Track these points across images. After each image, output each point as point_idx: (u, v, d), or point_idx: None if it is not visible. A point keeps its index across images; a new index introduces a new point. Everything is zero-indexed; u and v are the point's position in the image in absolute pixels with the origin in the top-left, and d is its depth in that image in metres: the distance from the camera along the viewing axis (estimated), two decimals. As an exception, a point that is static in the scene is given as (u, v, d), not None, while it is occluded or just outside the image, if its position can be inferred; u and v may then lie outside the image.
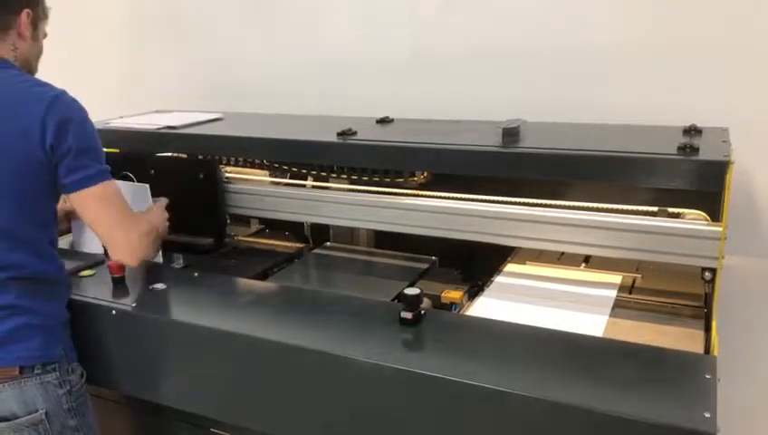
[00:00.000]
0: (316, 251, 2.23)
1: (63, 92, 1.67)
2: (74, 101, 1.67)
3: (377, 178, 2.02)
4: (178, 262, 2.07)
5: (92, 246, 2.07)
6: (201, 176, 2.14)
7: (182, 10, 2.95)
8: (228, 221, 2.23)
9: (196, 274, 1.92)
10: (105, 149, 2.17)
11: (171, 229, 2.07)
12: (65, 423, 1.64)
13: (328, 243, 2.29)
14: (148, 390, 1.74)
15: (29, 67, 1.75)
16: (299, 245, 2.25)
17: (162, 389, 1.71)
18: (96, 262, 1.96)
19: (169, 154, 2.29)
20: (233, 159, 2.27)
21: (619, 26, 2.15)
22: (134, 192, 1.96)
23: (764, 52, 1.99)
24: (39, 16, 1.74)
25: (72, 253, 2.10)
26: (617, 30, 2.16)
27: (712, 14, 2.03)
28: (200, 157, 2.23)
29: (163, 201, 2.00)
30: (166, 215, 1.94)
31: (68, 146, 1.58)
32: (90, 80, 3.23)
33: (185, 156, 2.27)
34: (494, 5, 2.31)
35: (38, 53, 1.80)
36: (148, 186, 2.00)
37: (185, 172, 2.17)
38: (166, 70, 3.06)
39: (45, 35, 1.80)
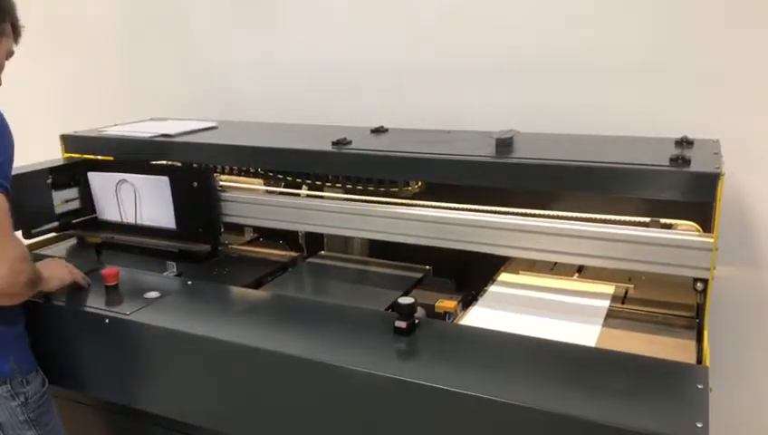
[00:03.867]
0: (310, 260, 2.23)
1: None
2: None
3: (371, 188, 2.02)
4: (172, 270, 2.07)
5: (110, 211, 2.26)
6: (195, 184, 2.13)
7: (178, 19, 2.96)
8: (222, 230, 2.22)
9: (189, 282, 1.91)
10: (100, 157, 2.18)
11: (167, 237, 2.09)
12: (21, 434, 1.66)
13: (322, 252, 2.29)
14: (140, 398, 1.73)
15: None
16: (293, 253, 2.25)
17: (155, 398, 1.71)
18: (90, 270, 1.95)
19: (164, 162, 2.30)
20: (227, 167, 2.27)
21: (612, 40, 2.17)
22: (154, 185, 2.02)
23: (756, 65, 2.01)
24: None
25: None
26: (610, 43, 2.17)
27: (704, 27, 2.05)
28: (194, 165, 2.23)
29: (75, 273, 1.83)
30: (65, 276, 1.78)
31: None
32: (85, 87, 3.25)
33: (179, 164, 2.28)
34: (490, 17, 2.33)
35: None
36: (167, 178, 2.05)
37: (179, 180, 2.16)
38: (161, 78, 3.06)
39: (10, 54, 1.70)
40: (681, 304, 1.73)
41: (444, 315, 1.76)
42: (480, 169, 1.79)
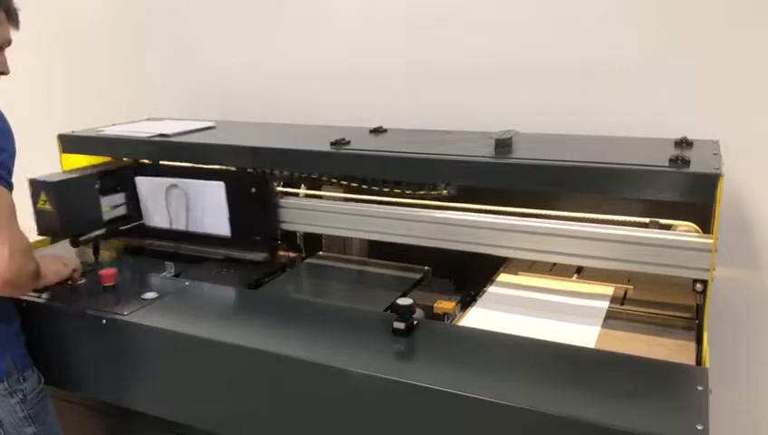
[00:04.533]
0: (309, 260, 2.23)
1: None
2: None
3: (398, 191, 1.99)
4: (169, 271, 2.07)
5: (159, 218, 2.20)
6: (253, 190, 2.06)
7: (176, 19, 2.95)
8: (279, 237, 2.16)
9: (187, 283, 1.91)
10: (107, 158, 2.18)
11: (220, 245, 2.09)
12: (22, 431, 1.67)
13: (320, 252, 2.28)
14: (137, 400, 1.73)
15: None
16: (291, 254, 2.24)
17: (153, 399, 1.70)
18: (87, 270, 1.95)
19: (217, 167, 2.17)
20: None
21: (612, 40, 2.16)
22: (207, 190, 2.02)
23: (756, 66, 2.01)
24: None
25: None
26: (610, 43, 2.17)
27: (704, 27, 2.05)
28: (253, 170, 2.13)
29: (70, 265, 1.85)
30: (61, 269, 1.80)
31: None
32: (82, 87, 3.24)
33: (233, 169, 2.16)
34: (489, 19, 2.32)
35: None
36: (222, 183, 2.02)
37: (236, 185, 2.10)
38: (159, 78, 3.06)
39: (7, 42, 1.67)
40: (680, 306, 1.73)
41: (442, 316, 1.76)
42: (479, 169, 1.78)
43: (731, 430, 2.18)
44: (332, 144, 1.98)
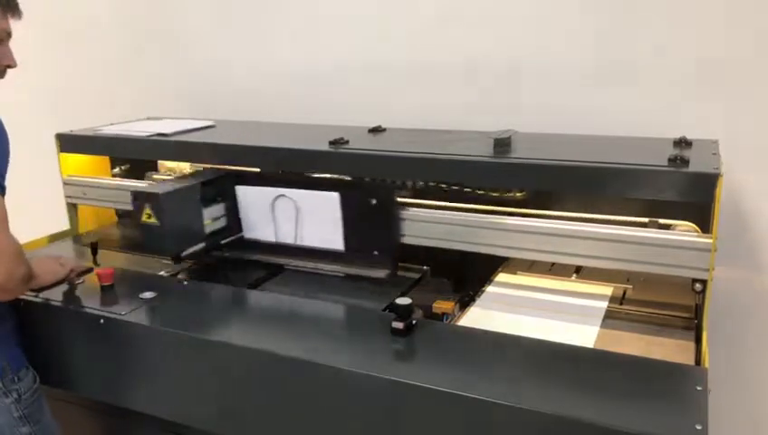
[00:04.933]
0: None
1: None
2: None
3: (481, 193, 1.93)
4: (167, 270, 2.06)
5: (262, 230, 2.04)
6: (374, 202, 1.90)
7: (175, 17, 2.94)
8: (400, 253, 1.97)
9: (185, 282, 1.90)
10: (249, 169, 2.07)
11: (332, 260, 1.95)
12: (17, 431, 1.66)
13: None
14: (135, 400, 1.72)
15: None
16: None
17: (151, 399, 1.70)
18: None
19: (330, 176, 2.02)
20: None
21: (611, 41, 2.16)
22: (320, 202, 1.90)
23: (754, 66, 2.01)
24: None
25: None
26: (609, 44, 2.17)
27: (704, 27, 2.05)
28: (374, 180, 1.97)
29: (67, 265, 1.81)
30: (57, 270, 1.77)
31: None
32: (81, 86, 3.23)
33: (349, 178, 1.99)
34: (487, 19, 2.32)
35: None
36: (337, 194, 1.90)
37: (353, 197, 1.93)
38: (158, 77, 3.05)
39: (6, 33, 1.64)
40: (680, 305, 1.73)
41: (441, 316, 1.76)
42: (478, 168, 1.78)
43: (731, 430, 2.18)
44: (331, 143, 1.98)
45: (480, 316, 1.71)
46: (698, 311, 1.66)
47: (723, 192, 1.50)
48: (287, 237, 2.05)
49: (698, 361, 1.44)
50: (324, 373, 1.41)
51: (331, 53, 2.62)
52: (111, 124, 2.52)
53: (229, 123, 2.54)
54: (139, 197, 1.91)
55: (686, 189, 1.56)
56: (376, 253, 1.93)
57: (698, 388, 1.27)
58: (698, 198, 1.56)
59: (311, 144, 2.02)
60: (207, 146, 2.17)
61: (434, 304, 1.78)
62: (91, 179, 2.45)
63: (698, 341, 1.54)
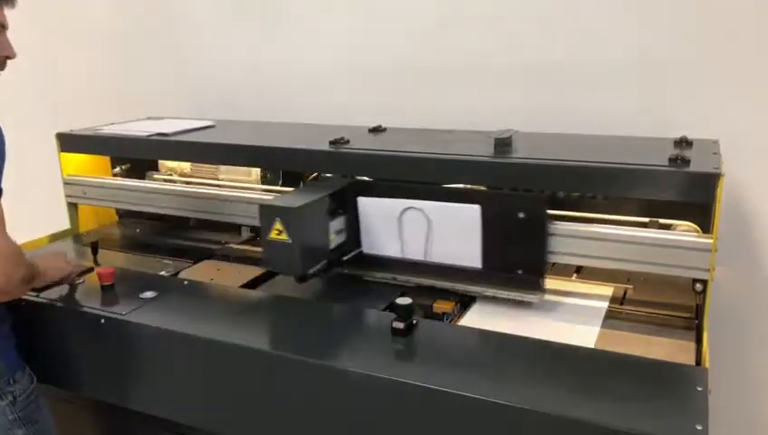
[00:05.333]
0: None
1: None
2: None
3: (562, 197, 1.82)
4: (168, 269, 2.06)
5: (386, 245, 1.88)
6: (522, 215, 1.71)
7: (175, 17, 2.94)
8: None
9: (185, 282, 1.90)
10: (370, 178, 1.92)
11: (466, 279, 1.78)
12: (12, 433, 1.65)
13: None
14: (135, 399, 1.72)
15: None
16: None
17: (151, 398, 1.70)
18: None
19: (470, 187, 1.84)
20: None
21: (611, 40, 2.16)
22: (456, 215, 1.75)
23: (755, 65, 2.01)
24: None
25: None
26: (608, 44, 2.17)
27: (704, 26, 2.05)
28: (523, 191, 1.76)
29: (72, 262, 1.83)
30: (63, 266, 1.77)
31: None
32: (81, 86, 3.23)
33: (488, 189, 1.81)
34: (488, 19, 2.32)
35: None
36: (478, 207, 1.73)
37: (497, 210, 1.75)
38: (159, 77, 3.05)
39: (3, 27, 1.61)
40: (680, 306, 1.72)
41: (442, 316, 1.75)
42: (478, 168, 1.78)
43: (731, 431, 2.18)
44: (331, 143, 1.98)
45: (480, 316, 1.71)
46: (699, 311, 1.66)
47: (723, 192, 1.50)
48: (416, 254, 1.87)
49: (699, 361, 1.44)
50: (325, 373, 1.41)
51: (332, 53, 2.61)
52: (112, 124, 2.52)
53: (229, 123, 2.54)
54: (268, 211, 1.72)
55: (686, 189, 1.56)
56: (520, 272, 1.76)
57: (699, 388, 1.27)
58: (699, 197, 1.56)
59: (311, 144, 2.02)
60: (207, 146, 2.17)
61: (434, 304, 1.77)
62: (91, 179, 2.45)
63: (699, 341, 1.54)
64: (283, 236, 1.69)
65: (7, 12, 1.61)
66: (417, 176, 1.90)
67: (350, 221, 1.91)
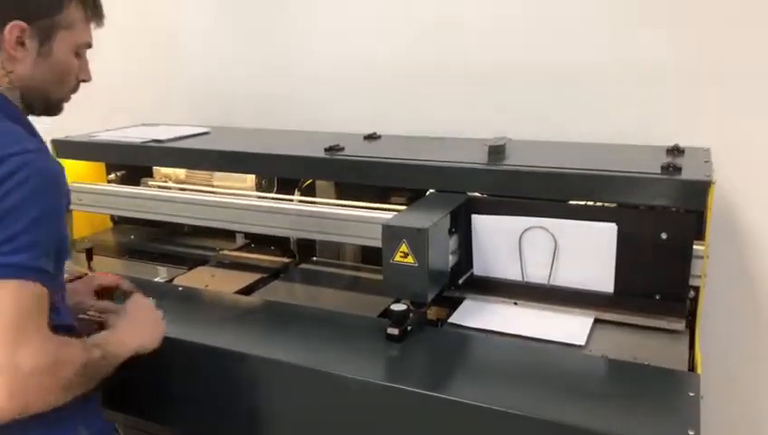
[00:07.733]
0: (302, 266, 2.23)
1: (37, 156, 1.18)
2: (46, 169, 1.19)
3: None
4: (162, 275, 2.06)
5: (503, 267, 1.73)
6: (664, 236, 1.60)
7: (171, 24, 2.95)
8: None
9: (180, 288, 1.90)
10: (487, 195, 1.79)
11: (594, 304, 1.64)
12: None
13: (314, 258, 2.28)
14: (130, 405, 1.72)
15: (40, 93, 1.38)
16: (285, 259, 2.24)
17: (145, 404, 1.69)
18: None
19: (607, 204, 1.70)
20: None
21: (605, 48, 2.18)
22: (588, 234, 1.63)
23: (748, 74, 2.03)
24: (45, 29, 1.31)
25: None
26: (603, 51, 2.18)
27: (699, 34, 2.07)
28: (664, 208, 1.61)
29: (144, 306, 1.53)
30: (158, 324, 1.48)
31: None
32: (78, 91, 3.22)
33: (630, 206, 1.67)
34: (482, 27, 2.33)
35: (56, 74, 1.41)
36: (615, 225, 1.62)
37: (636, 229, 1.63)
38: (154, 83, 3.05)
39: (86, 45, 1.45)
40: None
41: (436, 322, 1.76)
42: (473, 175, 1.79)
43: (725, 436, 2.19)
44: (326, 150, 1.99)
45: (471, 311, 1.70)
46: (691, 317, 1.67)
47: (715, 199, 1.52)
48: (538, 277, 1.74)
49: (691, 367, 1.45)
50: (319, 379, 1.41)
51: (327, 60, 2.62)
52: (107, 130, 2.52)
53: (224, 130, 2.55)
54: (392, 232, 1.55)
55: (678, 197, 1.57)
56: (658, 297, 1.65)
57: (691, 394, 1.27)
58: (691, 205, 1.57)
59: (306, 151, 2.03)
60: (202, 152, 2.17)
61: (428, 310, 1.78)
62: (86, 185, 2.45)
63: (691, 347, 1.55)
64: (410, 260, 1.56)
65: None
66: (410, 183, 1.92)
67: (461, 240, 1.79)
